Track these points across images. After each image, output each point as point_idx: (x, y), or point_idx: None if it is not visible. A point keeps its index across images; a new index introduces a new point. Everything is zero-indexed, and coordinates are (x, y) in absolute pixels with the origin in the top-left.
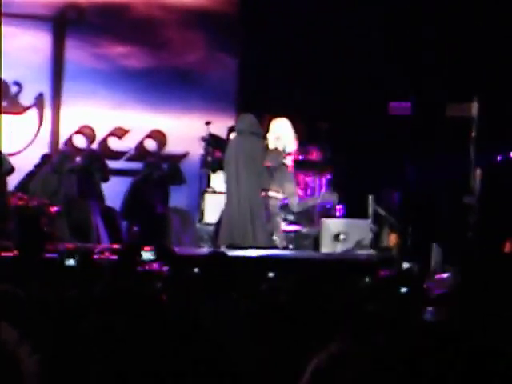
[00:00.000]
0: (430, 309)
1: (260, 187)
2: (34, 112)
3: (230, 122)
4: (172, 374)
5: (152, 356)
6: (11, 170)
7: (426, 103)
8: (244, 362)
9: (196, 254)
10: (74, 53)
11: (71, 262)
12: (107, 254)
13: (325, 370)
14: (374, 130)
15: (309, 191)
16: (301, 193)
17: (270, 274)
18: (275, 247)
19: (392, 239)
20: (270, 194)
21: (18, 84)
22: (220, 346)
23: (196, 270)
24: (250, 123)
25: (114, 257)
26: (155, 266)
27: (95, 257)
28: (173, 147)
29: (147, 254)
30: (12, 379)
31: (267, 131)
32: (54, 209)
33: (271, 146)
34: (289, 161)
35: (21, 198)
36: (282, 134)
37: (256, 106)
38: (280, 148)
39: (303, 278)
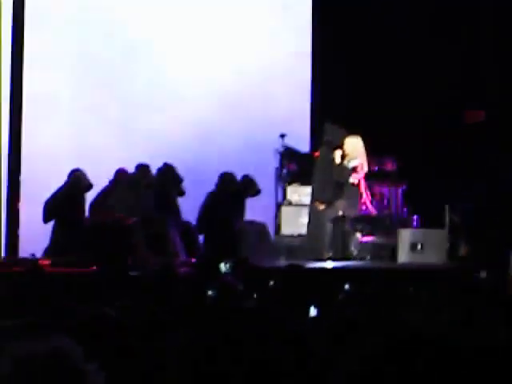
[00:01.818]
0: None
1: (318, 198)
2: None
3: (305, 134)
4: None
5: (231, 371)
6: (89, 186)
7: (501, 110)
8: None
9: (273, 267)
10: None
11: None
12: (185, 267)
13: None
14: (450, 139)
15: (385, 202)
16: (370, 204)
17: (346, 286)
18: (352, 258)
19: (468, 249)
20: (336, 204)
21: None
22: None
23: (271, 282)
24: (325, 131)
25: (192, 271)
26: (230, 279)
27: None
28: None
29: (225, 267)
30: None
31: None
32: (130, 220)
33: (337, 161)
34: (355, 179)
35: (97, 214)
36: (350, 151)
37: (329, 118)
38: (345, 164)
39: (379, 289)
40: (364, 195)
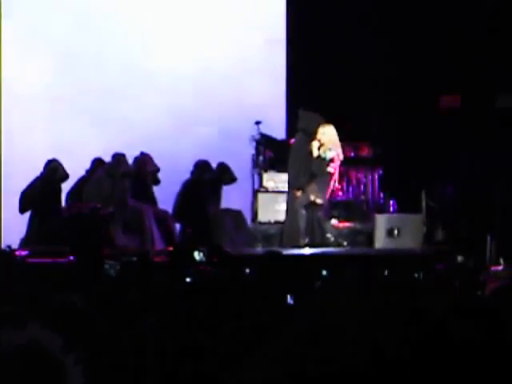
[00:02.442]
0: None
1: (293, 186)
2: None
3: (280, 121)
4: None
5: (206, 358)
6: (65, 176)
7: (475, 94)
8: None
9: (250, 254)
10: None
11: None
12: (162, 256)
13: None
14: (425, 124)
15: (361, 187)
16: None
17: (324, 272)
18: (329, 245)
19: (444, 233)
20: (307, 190)
21: None
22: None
23: (248, 270)
24: (300, 118)
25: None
26: (205, 267)
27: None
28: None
29: (199, 255)
30: None
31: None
32: (106, 211)
33: (314, 153)
34: (331, 168)
35: (73, 204)
36: (326, 141)
37: (305, 103)
38: (322, 155)
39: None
40: (336, 183)
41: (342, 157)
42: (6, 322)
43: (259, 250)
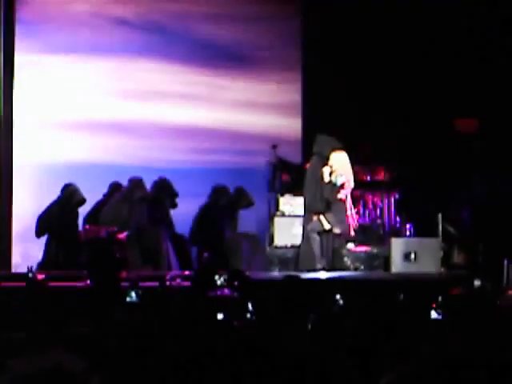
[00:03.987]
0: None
1: (309, 210)
2: None
3: (296, 145)
4: None
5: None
6: (82, 200)
7: (492, 119)
8: None
9: (267, 279)
10: None
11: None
12: (178, 280)
13: None
14: (441, 148)
15: (378, 211)
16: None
17: (338, 297)
18: (346, 269)
19: (461, 257)
20: (321, 219)
21: None
22: (294, 370)
23: (264, 294)
24: (315, 142)
25: (186, 283)
26: (226, 291)
27: (167, 283)
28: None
29: (220, 280)
30: None
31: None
32: (123, 235)
33: (326, 179)
34: (342, 195)
35: (89, 228)
36: (337, 167)
37: (321, 128)
38: (333, 181)
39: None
40: (350, 210)
41: (352, 184)
42: (28, 346)
43: (276, 274)
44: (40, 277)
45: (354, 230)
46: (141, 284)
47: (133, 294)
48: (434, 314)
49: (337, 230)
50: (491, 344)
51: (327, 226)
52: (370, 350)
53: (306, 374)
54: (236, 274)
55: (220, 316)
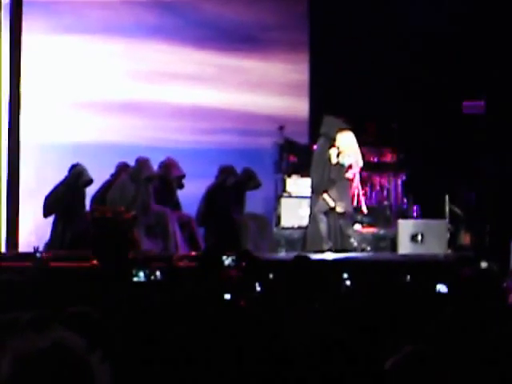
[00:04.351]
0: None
1: (316, 191)
2: None
3: (304, 126)
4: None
5: (231, 363)
6: (89, 181)
7: (499, 100)
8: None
9: (274, 259)
10: None
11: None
12: (186, 261)
13: (400, 371)
14: (448, 130)
15: (385, 193)
16: (363, 198)
17: (345, 276)
18: (353, 250)
19: (468, 239)
20: (325, 196)
21: None
22: (297, 352)
23: (271, 275)
24: (323, 123)
25: (193, 264)
26: (232, 271)
27: (174, 264)
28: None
29: (228, 260)
30: None
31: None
32: (130, 215)
33: (333, 160)
34: (350, 174)
35: (97, 208)
36: (344, 148)
37: (328, 108)
38: (340, 162)
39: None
40: (357, 189)
41: (361, 163)
42: (28, 326)
43: (282, 254)
44: (46, 256)
45: (361, 209)
46: (148, 264)
47: (141, 273)
48: (441, 288)
49: (339, 207)
50: (496, 324)
51: (332, 204)
52: (377, 331)
53: (312, 354)
54: (244, 255)
55: (227, 296)
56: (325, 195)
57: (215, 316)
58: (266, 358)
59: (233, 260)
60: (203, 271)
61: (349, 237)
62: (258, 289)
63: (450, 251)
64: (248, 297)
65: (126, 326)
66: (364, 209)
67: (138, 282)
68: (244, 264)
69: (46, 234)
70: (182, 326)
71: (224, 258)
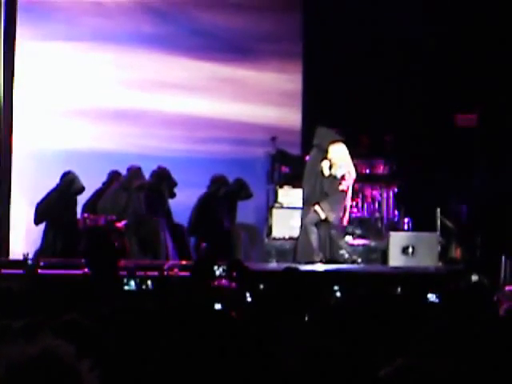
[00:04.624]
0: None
1: (308, 202)
2: None
3: (296, 137)
4: None
5: (221, 373)
6: (81, 189)
7: (492, 114)
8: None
9: (265, 270)
10: None
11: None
12: (176, 270)
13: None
14: (440, 143)
15: (376, 205)
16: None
17: (336, 288)
18: (344, 261)
19: (459, 252)
20: (316, 208)
21: None
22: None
23: (262, 285)
24: (315, 134)
25: (184, 273)
26: (224, 281)
27: (165, 273)
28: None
29: (219, 270)
30: None
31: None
32: (121, 223)
33: (326, 172)
34: (344, 186)
35: (88, 217)
36: (336, 160)
37: (321, 120)
38: (333, 174)
39: (369, 294)
40: (348, 201)
41: (353, 174)
42: (19, 333)
43: (273, 265)
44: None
45: (352, 221)
46: (139, 273)
47: (132, 282)
48: (431, 297)
49: (331, 218)
50: (489, 340)
51: (323, 216)
52: (368, 343)
53: (302, 366)
54: (235, 265)
55: (218, 306)
56: (316, 207)
57: (206, 326)
58: (256, 370)
59: (224, 270)
60: (194, 281)
61: (340, 248)
62: (249, 299)
63: (440, 264)
64: (239, 307)
65: (116, 334)
66: (345, 221)
67: (129, 291)
68: (235, 274)
69: (37, 242)
70: (173, 335)
71: (215, 267)
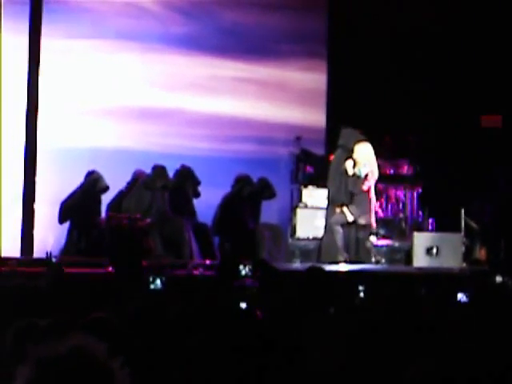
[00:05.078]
0: None
1: (333, 202)
2: None
3: (320, 137)
4: None
5: (248, 372)
6: (105, 188)
7: None
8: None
9: (289, 270)
10: None
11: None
12: (200, 269)
13: None
14: (465, 143)
15: (400, 205)
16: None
17: (360, 288)
18: (367, 262)
19: (483, 253)
20: (345, 210)
21: None
22: (316, 362)
23: (286, 286)
24: (340, 135)
25: (208, 272)
26: (248, 281)
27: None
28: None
29: (245, 270)
30: None
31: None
32: (145, 222)
33: (350, 171)
34: (365, 186)
35: (112, 216)
36: (360, 159)
37: (344, 120)
38: (356, 173)
39: (395, 295)
40: (373, 202)
41: (376, 175)
42: (48, 331)
43: (297, 265)
44: (61, 262)
45: (377, 222)
46: (164, 272)
47: (158, 281)
48: (461, 298)
49: (361, 221)
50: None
51: (350, 218)
52: (391, 343)
53: (326, 365)
54: (261, 265)
55: (243, 305)
56: (345, 209)
57: (231, 325)
58: (281, 368)
59: (249, 270)
60: (220, 280)
61: (366, 250)
62: (274, 299)
63: (464, 265)
64: (264, 307)
65: (143, 332)
66: (373, 222)
67: (155, 290)
68: (260, 274)
69: (62, 240)
70: (198, 334)
71: (241, 267)
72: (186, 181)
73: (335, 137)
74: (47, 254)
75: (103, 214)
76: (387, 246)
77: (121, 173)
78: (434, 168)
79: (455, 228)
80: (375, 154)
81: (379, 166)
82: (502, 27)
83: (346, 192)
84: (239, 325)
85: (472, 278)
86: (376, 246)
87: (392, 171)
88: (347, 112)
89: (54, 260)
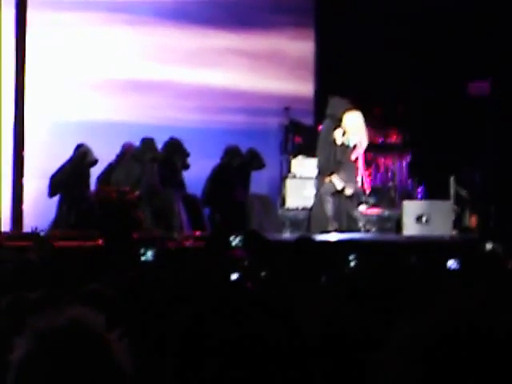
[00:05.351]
0: None
1: (322, 172)
2: None
3: (309, 107)
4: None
5: (239, 343)
6: (94, 161)
7: (504, 81)
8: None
9: (279, 240)
10: None
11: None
12: (191, 240)
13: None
14: (453, 111)
15: (389, 174)
16: (367, 179)
17: (351, 257)
18: (357, 230)
19: (473, 220)
20: (333, 179)
21: None
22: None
23: (276, 256)
24: (328, 104)
25: (198, 243)
26: (238, 252)
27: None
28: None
29: (236, 240)
30: (103, 362)
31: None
32: (135, 194)
33: (338, 141)
34: (354, 156)
35: (102, 188)
36: (349, 128)
37: (334, 89)
38: (345, 143)
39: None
40: (361, 170)
41: (365, 143)
42: (45, 303)
43: (287, 235)
44: (51, 236)
45: (366, 191)
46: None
47: (149, 253)
48: (452, 264)
49: (349, 190)
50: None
51: (339, 186)
52: (382, 311)
53: (317, 335)
54: (252, 235)
55: (234, 276)
56: (333, 177)
57: (221, 296)
58: (272, 338)
59: (240, 240)
60: (210, 251)
61: (355, 219)
62: (265, 269)
63: (454, 232)
64: (254, 277)
65: (138, 304)
66: (367, 190)
67: (146, 261)
68: (251, 245)
69: (51, 214)
70: (188, 305)
71: (231, 238)
72: (174, 153)
73: (324, 107)
74: (32, 228)
75: (92, 187)
76: (377, 214)
77: (110, 146)
78: (423, 136)
79: (445, 196)
80: (364, 122)
81: (368, 135)
82: None
83: (335, 161)
84: (229, 295)
85: (462, 246)
86: (366, 214)
87: (381, 140)
88: (336, 82)
89: (41, 234)
